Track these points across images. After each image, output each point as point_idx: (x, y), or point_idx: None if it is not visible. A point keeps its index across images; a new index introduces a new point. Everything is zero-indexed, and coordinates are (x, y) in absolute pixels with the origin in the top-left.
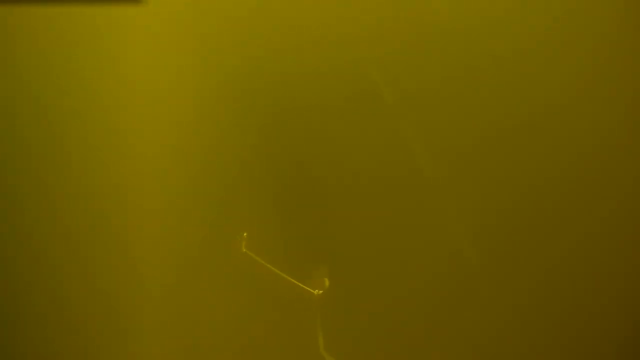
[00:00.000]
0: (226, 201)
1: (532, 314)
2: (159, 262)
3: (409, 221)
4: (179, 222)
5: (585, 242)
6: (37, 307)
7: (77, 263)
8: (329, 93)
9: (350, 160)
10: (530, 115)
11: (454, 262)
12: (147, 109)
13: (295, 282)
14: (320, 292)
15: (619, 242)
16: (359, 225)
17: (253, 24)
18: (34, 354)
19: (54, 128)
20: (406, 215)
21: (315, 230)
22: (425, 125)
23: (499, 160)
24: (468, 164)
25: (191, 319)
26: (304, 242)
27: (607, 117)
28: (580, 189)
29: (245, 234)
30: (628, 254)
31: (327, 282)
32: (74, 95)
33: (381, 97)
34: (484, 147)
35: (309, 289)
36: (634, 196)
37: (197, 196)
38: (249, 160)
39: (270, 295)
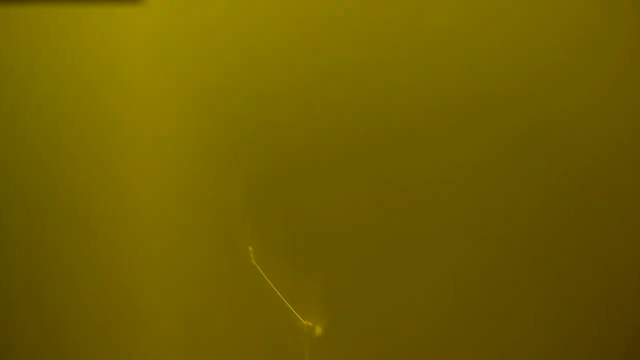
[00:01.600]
0: (229, 214)
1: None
2: (161, 275)
3: (412, 246)
4: (181, 231)
5: (592, 245)
6: (36, 309)
7: (81, 274)
8: (335, 95)
9: (356, 179)
10: (531, 118)
11: (454, 283)
12: (147, 109)
13: (290, 307)
14: (310, 324)
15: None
16: (359, 251)
17: (255, 24)
18: (32, 355)
19: (52, 128)
20: (409, 238)
21: (315, 245)
22: (428, 132)
23: (503, 167)
24: (470, 168)
25: (191, 329)
26: (304, 258)
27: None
28: (584, 192)
29: (250, 248)
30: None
31: (318, 330)
32: (72, 95)
33: (389, 109)
34: (489, 153)
35: (300, 318)
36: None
37: (197, 201)
38: (250, 160)
39: (265, 317)
